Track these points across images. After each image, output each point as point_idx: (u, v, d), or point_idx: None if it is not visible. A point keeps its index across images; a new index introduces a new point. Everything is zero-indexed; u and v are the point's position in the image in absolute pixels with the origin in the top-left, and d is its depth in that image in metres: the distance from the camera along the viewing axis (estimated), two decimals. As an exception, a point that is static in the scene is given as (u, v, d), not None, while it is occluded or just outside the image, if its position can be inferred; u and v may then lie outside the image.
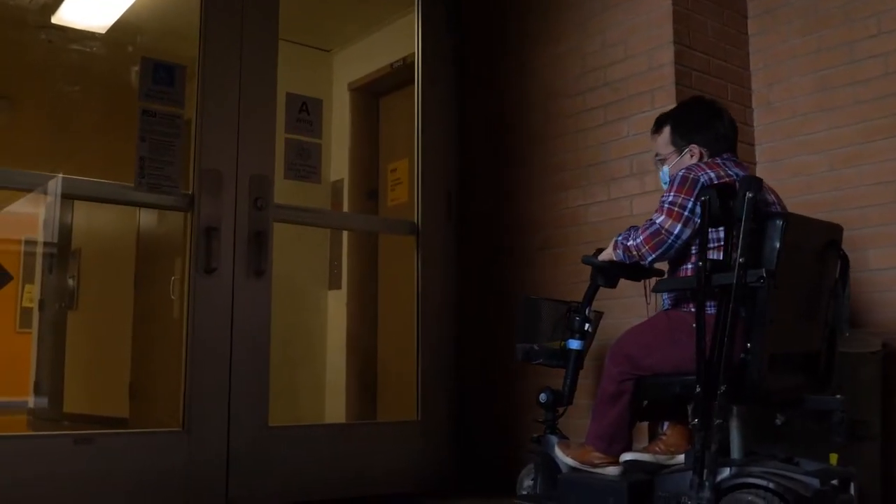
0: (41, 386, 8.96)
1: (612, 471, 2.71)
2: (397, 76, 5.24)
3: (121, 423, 6.89)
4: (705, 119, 2.88)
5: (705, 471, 2.40)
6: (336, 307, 5.72)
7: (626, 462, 2.71)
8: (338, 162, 5.73)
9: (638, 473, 2.68)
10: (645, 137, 3.50)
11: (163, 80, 3.49)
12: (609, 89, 3.71)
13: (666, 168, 2.92)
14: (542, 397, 3.06)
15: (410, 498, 3.71)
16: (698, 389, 2.43)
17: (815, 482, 2.34)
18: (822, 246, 2.66)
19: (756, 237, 2.44)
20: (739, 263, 2.41)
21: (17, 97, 6.98)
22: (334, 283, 5.75)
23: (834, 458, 2.52)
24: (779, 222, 2.46)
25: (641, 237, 2.70)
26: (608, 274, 3.00)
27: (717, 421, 2.39)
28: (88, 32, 5.63)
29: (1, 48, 5.74)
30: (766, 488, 2.31)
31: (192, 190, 3.53)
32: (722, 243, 2.58)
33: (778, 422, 2.60)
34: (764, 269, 2.41)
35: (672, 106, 3.23)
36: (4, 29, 5.48)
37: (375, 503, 3.57)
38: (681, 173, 2.71)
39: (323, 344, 5.77)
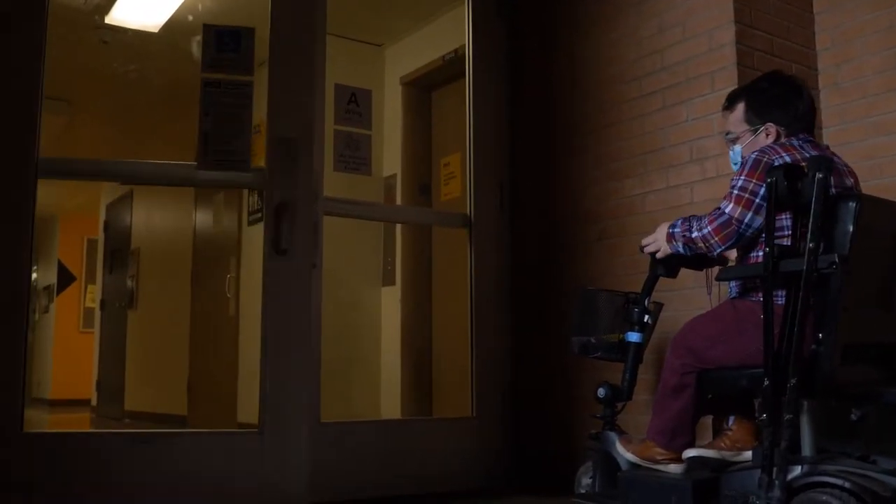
0: (103, 384, 9.14)
1: (674, 468, 2.60)
2: (449, 69, 5.18)
3: (180, 420, 6.98)
4: (784, 96, 2.70)
5: (775, 469, 2.27)
6: (390, 303, 5.68)
7: (690, 458, 2.59)
8: (390, 157, 5.70)
9: (702, 470, 2.56)
10: (705, 122, 3.38)
11: (227, 47, 3.28)
12: (667, 73, 3.57)
13: (738, 148, 2.75)
14: (601, 392, 2.95)
15: (466, 495, 3.62)
16: (766, 383, 2.30)
17: (895, 481, 2.19)
18: (898, 229, 2.51)
19: (827, 221, 2.30)
20: (810, 249, 2.27)
21: (75, 99, 7.08)
22: (388, 280, 5.72)
23: (914, 456, 2.37)
24: (851, 204, 2.32)
25: (709, 228, 2.56)
26: (669, 264, 2.88)
27: (787, 416, 2.26)
28: (143, 31, 5.67)
29: (58, 51, 5.81)
30: (841, 487, 2.17)
31: (267, 163, 3.33)
32: (789, 232, 2.43)
33: (853, 417, 2.44)
34: (836, 255, 2.27)
35: (734, 88, 3.09)
36: (61, 31, 5.53)
37: (430, 501, 3.49)
38: (753, 156, 2.56)
39: (377, 340, 5.74)
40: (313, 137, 3.36)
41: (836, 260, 2.26)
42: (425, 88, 5.69)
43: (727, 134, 2.82)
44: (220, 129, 3.25)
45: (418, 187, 5.65)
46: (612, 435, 2.87)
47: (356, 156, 3.82)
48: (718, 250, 2.59)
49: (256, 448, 3.12)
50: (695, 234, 2.61)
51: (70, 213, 11.16)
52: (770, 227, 2.36)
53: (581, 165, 3.93)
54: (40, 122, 3.15)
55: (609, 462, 2.82)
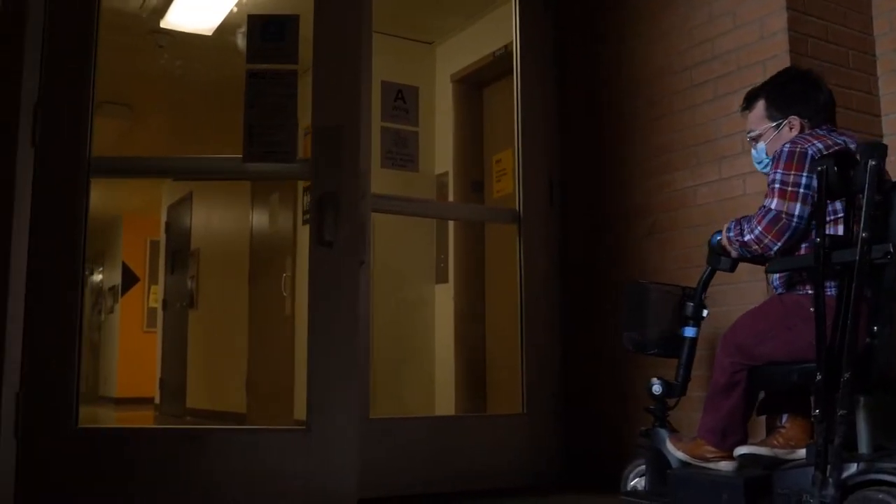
0: (166, 383, 9.33)
1: (725, 466, 2.55)
2: (499, 65, 5.15)
3: (239, 418, 7.08)
4: (803, 89, 2.70)
5: (829, 466, 2.20)
6: (443, 301, 5.68)
7: (741, 456, 2.53)
8: (442, 155, 5.70)
9: (754, 468, 2.49)
10: (758, 111, 3.30)
11: (272, 37, 3.23)
12: (718, 62, 3.49)
13: (762, 145, 2.74)
14: (656, 389, 2.89)
15: (514, 493, 3.59)
16: (819, 378, 2.23)
17: (956, 479, 2.11)
18: (957, 218, 2.40)
19: (880, 209, 2.22)
20: (863, 238, 2.19)
21: (135, 103, 7.22)
22: (441, 277, 5.72)
23: (977, 454, 2.27)
24: (907, 192, 2.23)
25: (760, 228, 2.50)
26: (729, 258, 2.81)
27: (841, 412, 2.18)
28: (197, 35, 5.75)
29: (117, 57, 5.94)
30: (898, 486, 2.09)
31: (311, 153, 3.25)
32: (839, 215, 2.38)
33: (911, 413, 2.37)
34: (891, 244, 2.19)
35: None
36: (119, 37, 5.65)
37: (479, 498, 3.47)
38: (786, 148, 2.52)
39: (431, 338, 5.75)
40: (359, 128, 3.30)
41: (891, 250, 2.18)
42: (476, 85, 5.68)
43: (748, 133, 2.79)
44: (266, 121, 3.21)
45: (471, 184, 5.64)
46: (663, 432, 2.82)
47: (403, 152, 3.81)
48: (775, 248, 2.51)
49: (304, 445, 3.11)
50: (747, 237, 2.56)
51: (133, 215, 11.42)
52: (821, 218, 2.29)
53: (631, 159, 3.87)
54: (92, 123, 3.20)
55: (659, 460, 2.77)
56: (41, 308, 3.03)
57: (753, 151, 2.78)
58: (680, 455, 2.69)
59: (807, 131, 2.63)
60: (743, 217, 2.65)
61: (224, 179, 4.22)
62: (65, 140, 3.15)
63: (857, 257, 2.20)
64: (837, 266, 2.25)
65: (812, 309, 2.25)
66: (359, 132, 3.30)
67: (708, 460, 2.59)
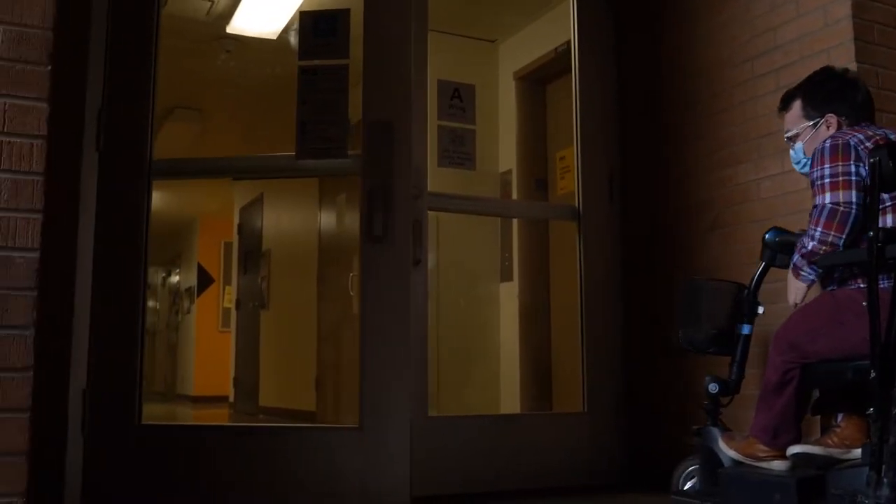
0: (240, 381, 9.52)
1: (778, 465, 2.50)
2: (562, 61, 5.11)
3: (309, 416, 7.19)
4: (840, 87, 2.67)
5: (884, 466, 2.12)
6: (508, 299, 5.67)
7: (794, 455, 2.47)
8: (506, 153, 5.69)
9: (808, 468, 2.43)
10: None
11: (324, 32, 3.23)
12: (780, 52, 3.41)
13: (799, 145, 2.70)
14: (713, 387, 2.84)
15: (574, 492, 3.57)
16: (873, 374, 2.16)
17: None
18: None
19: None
20: (919, 231, 2.12)
21: (205, 107, 7.38)
22: (506, 276, 5.71)
23: None
24: (966, 183, 2.15)
25: (819, 228, 2.43)
26: (784, 253, 2.74)
27: (897, 410, 2.11)
28: (262, 39, 5.87)
29: (187, 63, 6.10)
30: (957, 487, 2.01)
31: (361, 148, 3.23)
32: (886, 204, 2.34)
33: (973, 412, 2.27)
34: (949, 237, 2.11)
35: (851, 66, 2.96)
36: (187, 44, 5.80)
37: (536, 497, 3.46)
38: (827, 143, 2.48)
39: (496, 336, 5.75)
40: (410, 124, 3.28)
41: (950, 242, 2.10)
42: (539, 82, 5.65)
43: (786, 133, 2.76)
44: (317, 117, 3.21)
45: (534, 182, 5.62)
46: (716, 431, 2.77)
47: (460, 151, 3.82)
48: (841, 242, 2.43)
49: (357, 443, 3.14)
50: (810, 245, 2.47)
51: (208, 217, 11.69)
52: (873, 212, 2.22)
53: (692, 153, 3.80)
54: (153, 126, 3.28)
55: (711, 458, 2.72)
56: (106, 308, 3.12)
57: (791, 152, 2.75)
58: (732, 454, 2.65)
59: (844, 129, 2.58)
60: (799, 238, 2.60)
61: (279, 177, 4.31)
62: (127, 143, 3.24)
63: (914, 251, 2.13)
64: (891, 260, 2.18)
65: (865, 303, 2.18)
66: (410, 128, 3.28)
67: (760, 459, 2.54)
